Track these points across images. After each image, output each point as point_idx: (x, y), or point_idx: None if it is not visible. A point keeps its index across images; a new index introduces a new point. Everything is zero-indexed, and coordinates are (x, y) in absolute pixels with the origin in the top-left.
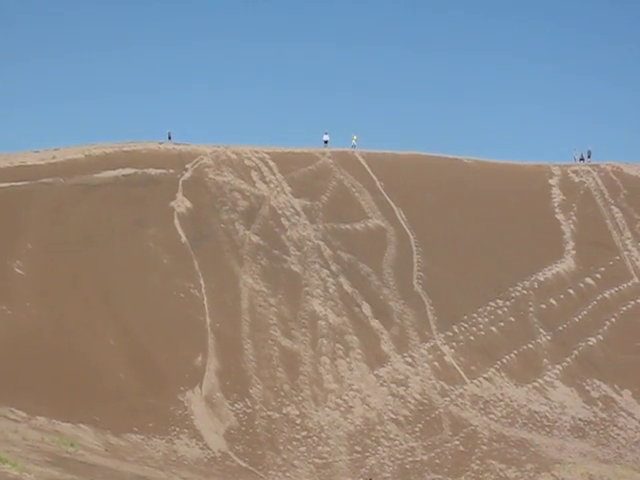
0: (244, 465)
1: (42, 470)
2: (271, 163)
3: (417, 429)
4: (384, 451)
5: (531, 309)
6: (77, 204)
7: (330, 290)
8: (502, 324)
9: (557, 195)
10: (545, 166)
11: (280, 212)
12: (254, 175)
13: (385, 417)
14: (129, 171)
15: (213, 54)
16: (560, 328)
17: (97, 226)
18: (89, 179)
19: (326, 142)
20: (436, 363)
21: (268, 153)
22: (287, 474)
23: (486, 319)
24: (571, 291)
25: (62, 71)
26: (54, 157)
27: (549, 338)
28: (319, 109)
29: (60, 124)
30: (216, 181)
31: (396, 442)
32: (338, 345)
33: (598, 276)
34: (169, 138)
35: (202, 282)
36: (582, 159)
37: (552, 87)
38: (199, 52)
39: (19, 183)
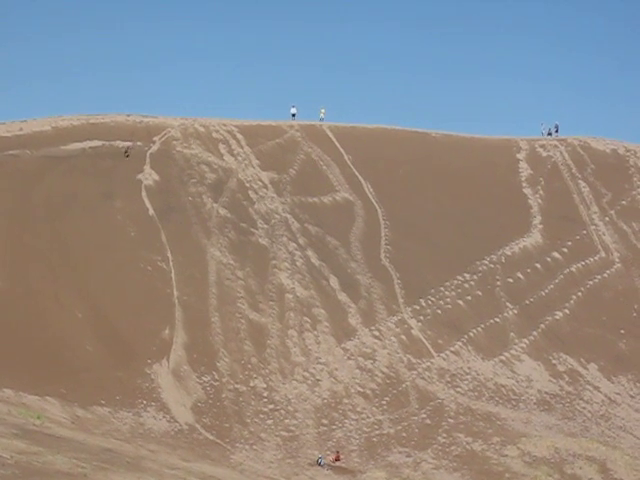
0: (211, 438)
1: (8, 442)
2: (239, 136)
3: (384, 402)
4: (351, 424)
5: (498, 283)
6: (44, 176)
7: (298, 263)
8: (469, 298)
9: (524, 169)
10: (513, 140)
11: (248, 185)
12: (222, 148)
13: (352, 390)
14: (96, 143)
15: (180, 27)
16: (527, 302)
17: (64, 198)
18: (56, 151)
19: (294, 115)
20: (403, 336)
21: (236, 126)
22: (254, 447)
23: (453, 293)
24: (538, 265)
25: (29, 45)
26: (21, 129)
27: (516, 312)
28: (286, 82)
29: (27, 97)
30: (184, 154)
31: (363, 415)
32: (305, 318)
33: (565, 250)
34: (126, 154)
35: (169, 255)
36: (550, 133)
37: (520, 61)
38: (166, 25)
39: None
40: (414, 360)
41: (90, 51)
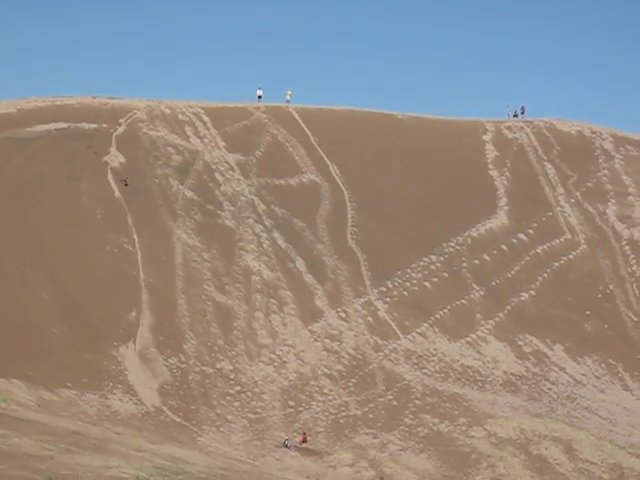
0: (178, 420)
1: None
2: (205, 118)
3: (351, 384)
4: (318, 406)
5: (464, 264)
6: (10, 158)
7: (264, 245)
8: (435, 279)
9: (491, 151)
10: (479, 122)
11: (214, 167)
12: (188, 130)
13: (319, 372)
14: (62, 125)
15: (146, 9)
16: (493, 283)
17: (30, 180)
18: (22, 133)
19: (260, 97)
20: (370, 318)
21: (202, 108)
22: (221, 429)
23: (419, 274)
24: (504, 247)
25: None
26: None
27: (482, 293)
28: (253, 64)
29: None
30: (150, 136)
31: (330, 397)
32: (272, 300)
33: (531, 232)
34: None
35: (136, 237)
36: (516, 115)
37: (487, 42)
38: (133, 6)
39: None
40: (381, 342)
41: (55, 32)
